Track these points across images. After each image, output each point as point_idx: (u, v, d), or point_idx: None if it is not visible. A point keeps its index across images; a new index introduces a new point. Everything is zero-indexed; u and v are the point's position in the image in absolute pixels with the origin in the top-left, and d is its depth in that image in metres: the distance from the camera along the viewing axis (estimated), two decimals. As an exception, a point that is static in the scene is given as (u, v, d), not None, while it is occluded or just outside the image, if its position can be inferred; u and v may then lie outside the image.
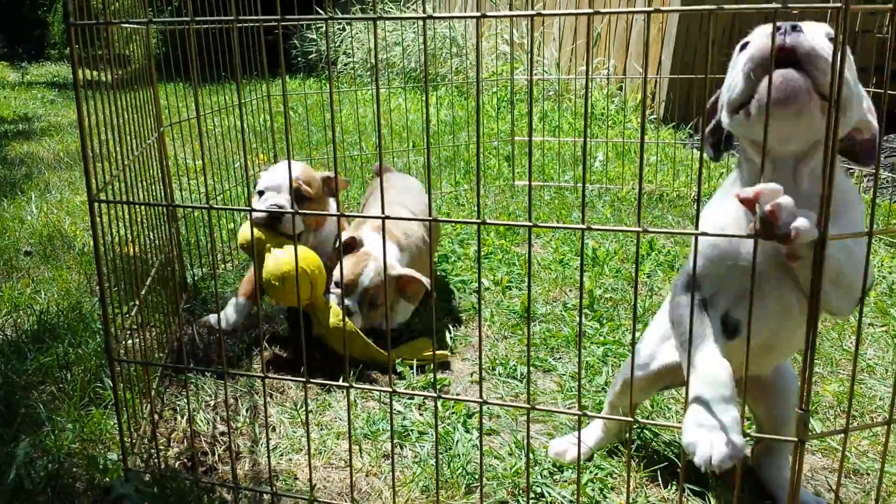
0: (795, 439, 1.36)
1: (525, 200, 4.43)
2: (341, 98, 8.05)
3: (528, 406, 1.51)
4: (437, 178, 4.77)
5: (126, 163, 1.91)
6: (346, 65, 9.99)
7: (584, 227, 1.41)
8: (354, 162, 5.14)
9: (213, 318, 2.65)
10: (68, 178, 5.04)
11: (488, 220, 1.45)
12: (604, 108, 6.44)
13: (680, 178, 4.62)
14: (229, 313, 2.67)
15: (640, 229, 1.38)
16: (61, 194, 4.57)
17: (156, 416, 2.13)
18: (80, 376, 2.30)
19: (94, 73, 1.96)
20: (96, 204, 1.70)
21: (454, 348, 2.64)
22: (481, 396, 1.57)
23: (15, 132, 6.95)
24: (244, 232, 2.54)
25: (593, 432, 2.01)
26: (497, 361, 2.52)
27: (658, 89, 6.22)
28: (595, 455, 1.99)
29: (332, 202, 2.83)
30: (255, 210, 1.63)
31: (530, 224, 1.40)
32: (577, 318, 2.82)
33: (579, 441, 1.56)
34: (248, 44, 3.51)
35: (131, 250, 2.19)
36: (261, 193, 2.66)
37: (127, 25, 2.19)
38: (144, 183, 2.35)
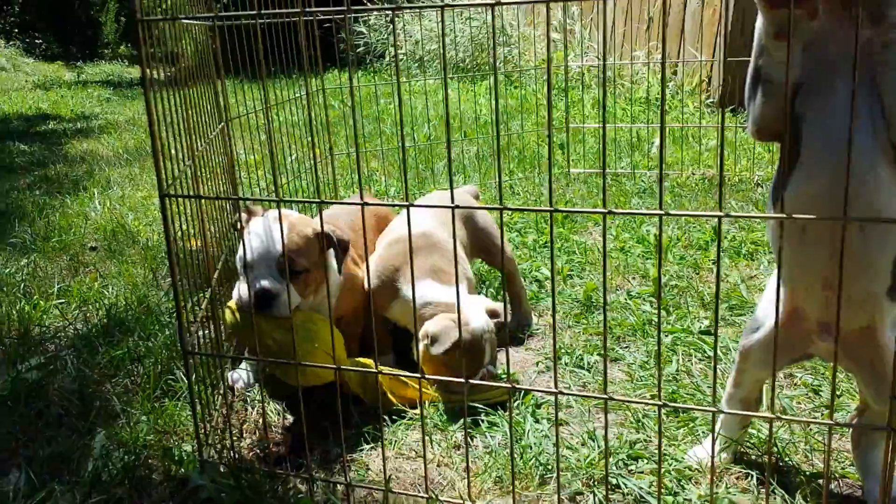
0: (884, 426, 1.31)
1: (581, 188, 4.38)
2: (390, 91, 8.05)
3: (606, 397, 1.48)
4: (489, 168, 4.74)
5: (194, 156, 1.92)
6: (393, 57, 9.99)
7: (661, 212, 1.38)
8: (407, 153, 5.14)
9: (233, 375, 2.39)
10: (128, 174, 5.13)
11: (560, 208, 1.41)
12: (658, 94, 6.33)
13: (741, 162, 4.52)
14: (245, 374, 2.38)
15: (721, 214, 1.34)
16: (122, 190, 4.65)
17: (227, 408, 2.15)
18: (152, 369, 2.33)
19: (152, 70, 1.97)
20: (166, 199, 1.71)
21: (523, 338, 2.62)
22: (556, 387, 1.54)
23: (74, 130, 7.10)
24: (231, 317, 2.17)
25: (724, 430, 1.92)
26: (563, 351, 2.49)
27: (714, 73, 6.09)
28: (673, 447, 1.95)
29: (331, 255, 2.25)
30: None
31: (604, 211, 1.37)
32: (648, 306, 2.77)
33: (713, 437, 1.52)
34: (296, 37, 3.52)
35: (195, 244, 2.20)
36: (245, 268, 2.14)
37: (194, 21, 2.20)
38: (210, 177, 2.37)
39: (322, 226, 1.92)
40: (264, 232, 2.13)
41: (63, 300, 2.94)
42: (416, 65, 9.65)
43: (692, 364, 2.37)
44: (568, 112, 4.98)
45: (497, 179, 1.37)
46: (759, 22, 1.44)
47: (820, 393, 2.18)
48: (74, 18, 15.86)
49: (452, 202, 1.43)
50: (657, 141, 5.04)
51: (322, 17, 3.46)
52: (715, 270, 3.06)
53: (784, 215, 1.33)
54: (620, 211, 1.42)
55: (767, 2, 1.38)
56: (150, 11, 2.02)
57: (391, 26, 10.24)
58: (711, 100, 6.05)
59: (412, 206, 1.46)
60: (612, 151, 4.94)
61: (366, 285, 2.18)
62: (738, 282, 2.92)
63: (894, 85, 1.35)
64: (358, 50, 11.02)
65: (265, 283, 2.09)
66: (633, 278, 3.06)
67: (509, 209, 1.38)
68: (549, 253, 3.35)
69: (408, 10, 9.40)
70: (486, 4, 1.31)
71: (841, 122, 1.39)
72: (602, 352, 2.47)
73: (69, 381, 2.32)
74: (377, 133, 5.83)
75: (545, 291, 2.97)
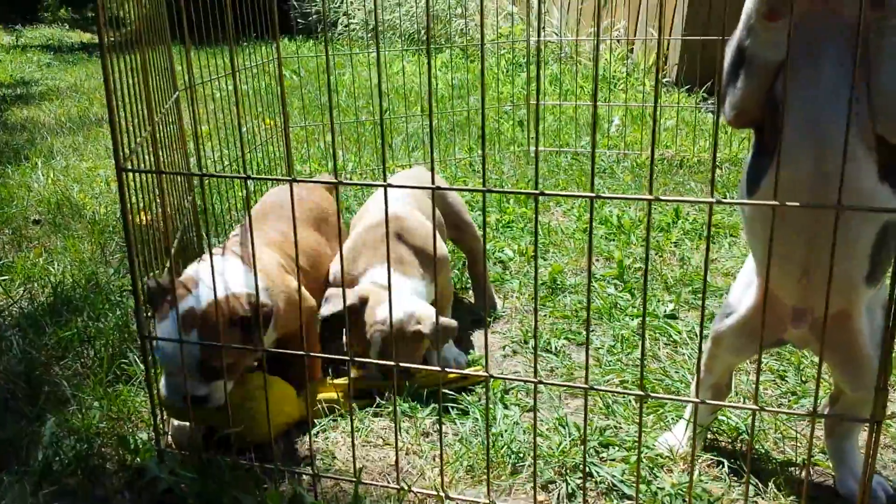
0: (868, 419, 1.30)
1: (542, 167, 4.34)
2: (343, 62, 7.89)
3: (587, 387, 1.44)
4: (449, 144, 4.66)
5: (154, 127, 1.81)
6: (346, 26, 9.80)
7: (650, 197, 1.34)
8: (364, 126, 5.03)
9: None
10: (72, 143, 4.92)
11: (546, 192, 1.36)
12: (615, 72, 6.32)
13: (699, 143, 4.53)
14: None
15: (713, 200, 1.30)
16: (66, 161, 4.46)
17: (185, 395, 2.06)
18: (104, 351, 2.23)
19: (108, 35, 1.85)
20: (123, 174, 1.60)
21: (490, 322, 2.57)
22: (535, 376, 1.50)
23: (14, 96, 6.80)
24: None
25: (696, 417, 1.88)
26: (529, 335, 2.46)
27: (671, 51, 6.09)
28: (644, 434, 1.92)
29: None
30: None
31: (591, 195, 1.32)
32: (613, 289, 2.75)
33: (695, 427, 1.49)
34: (248, 4, 3.39)
35: (146, 219, 2.10)
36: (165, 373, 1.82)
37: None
38: (162, 150, 2.26)
39: (256, 309, 1.73)
40: (177, 330, 1.74)
41: (6, 277, 2.80)
42: (370, 35, 9.47)
43: (658, 349, 2.35)
44: (528, 87, 4.92)
45: (482, 162, 1.30)
46: (750, 1, 1.39)
47: (786, 378, 2.19)
48: (13, -21, 15.20)
49: (433, 183, 1.37)
50: (616, 120, 5.03)
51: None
52: (661, 254, 3.06)
53: (774, 202, 1.29)
54: (610, 195, 1.37)
55: None
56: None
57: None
58: (668, 79, 6.05)
59: (389, 186, 1.39)
60: (571, 130, 4.90)
61: (302, 291, 2.01)
62: (700, 265, 2.92)
63: (886, 74, 1.32)
64: (309, 18, 10.78)
65: (195, 391, 1.78)
66: (598, 260, 3.03)
67: (494, 191, 1.32)
68: (511, 233, 3.30)
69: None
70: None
71: (824, 105, 1.36)
72: (570, 336, 2.44)
73: (15, 362, 2.21)
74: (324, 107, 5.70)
75: (509, 273, 2.93)
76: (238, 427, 1.76)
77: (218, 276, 1.71)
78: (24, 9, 14.91)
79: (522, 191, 1.33)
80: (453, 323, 2.13)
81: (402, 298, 2.10)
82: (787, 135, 1.39)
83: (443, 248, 2.41)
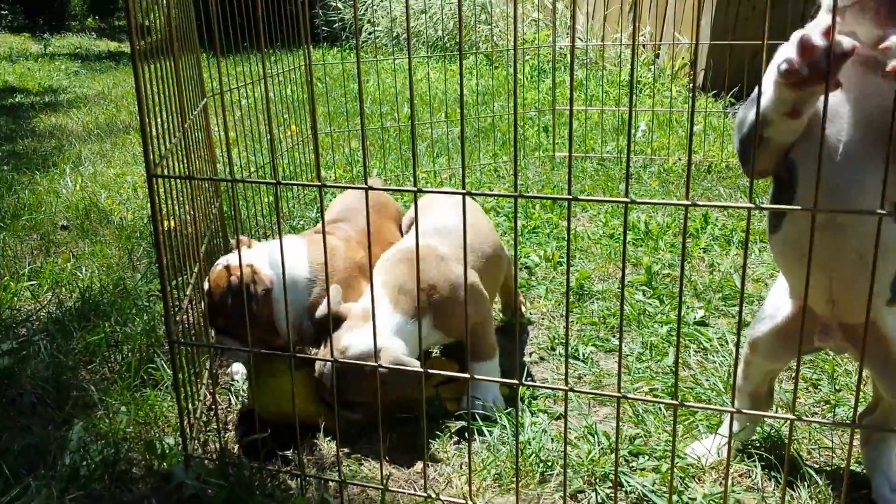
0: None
1: (567, 173, 4.31)
2: (367, 69, 7.91)
3: (619, 395, 1.42)
4: (473, 150, 4.65)
5: (184, 133, 1.81)
6: (370, 34, 9.82)
7: (625, 200, 1.31)
8: (389, 133, 5.03)
9: (234, 367, 2.30)
10: (100, 150, 4.97)
11: (525, 194, 1.34)
12: (641, 77, 6.28)
13: (727, 148, 4.48)
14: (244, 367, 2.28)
15: (752, 206, 1.27)
16: (94, 167, 4.49)
17: (213, 400, 2.06)
18: (131, 356, 2.23)
19: (141, 43, 1.86)
20: (154, 179, 1.60)
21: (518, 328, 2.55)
22: (566, 384, 1.48)
23: (42, 104, 6.88)
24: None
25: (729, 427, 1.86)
26: (557, 341, 2.43)
27: (698, 56, 6.04)
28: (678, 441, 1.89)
29: None
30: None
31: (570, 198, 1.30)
32: (641, 295, 2.72)
33: (730, 436, 1.47)
34: (275, 12, 3.40)
35: (172, 224, 2.10)
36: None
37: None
38: (191, 156, 2.26)
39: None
40: None
41: (34, 282, 2.82)
42: (394, 42, 9.50)
43: (689, 356, 2.32)
44: (555, 92, 4.90)
45: (514, 166, 1.28)
46: (767, 96, 1.32)
47: (819, 387, 2.14)
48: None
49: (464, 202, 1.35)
50: (643, 125, 4.99)
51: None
52: (708, 260, 3.02)
53: (811, 208, 1.26)
54: (646, 201, 1.34)
55: (791, 83, 1.24)
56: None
57: (366, 2, 10.07)
58: (695, 83, 6.00)
59: (420, 191, 1.38)
60: (596, 135, 4.87)
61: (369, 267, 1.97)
62: (730, 271, 2.88)
63: None
64: (334, 26, 10.83)
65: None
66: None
67: (525, 196, 1.30)
68: (537, 239, 3.28)
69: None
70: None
71: (842, 168, 1.35)
72: (598, 343, 2.41)
73: (43, 367, 2.22)
74: (356, 112, 5.71)
75: (535, 279, 2.90)
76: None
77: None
78: (53, 18, 15.12)
79: (555, 196, 1.31)
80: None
81: (380, 331, 1.90)
82: (801, 190, 1.39)
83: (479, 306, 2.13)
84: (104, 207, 3.66)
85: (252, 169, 3.62)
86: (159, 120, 1.76)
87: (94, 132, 5.52)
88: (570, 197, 1.30)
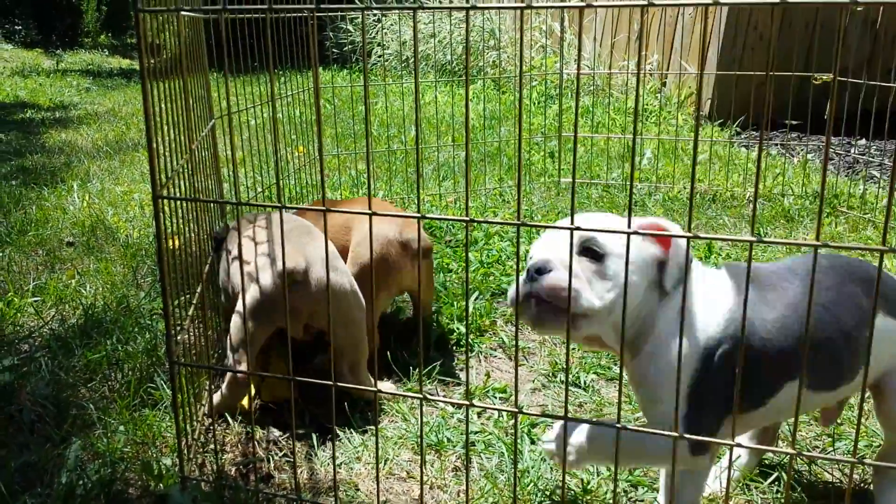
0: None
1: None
2: (376, 91, 7.96)
3: (619, 426, 1.41)
4: (479, 174, 4.66)
5: (191, 154, 1.82)
6: (380, 56, 9.89)
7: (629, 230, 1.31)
8: (395, 155, 5.05)
9: None
10: (108, 167, 4.99)
11: (476, 219, 1.34)
12: (647, 105, 6.30)
13: (732, 177, 4.48)
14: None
15: (819, 243, 1.27)
16: (102, 184, 4.51)
17: (211, 421, 2.05)
18: (131, 375, 2.23)
19: (150, 63, 1.87)
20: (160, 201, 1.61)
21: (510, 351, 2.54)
22: (566, 413, 1.47)
23: (52, 120, 6.93)
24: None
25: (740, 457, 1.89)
26: (558, 367, 2.42)
27: (704, 85, 6.07)
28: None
29: None
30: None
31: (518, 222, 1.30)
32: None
33: (729, 469, 1.46)
34: (285, 34, 3.43)
35: (176, 244, 2.11)
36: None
37: (196, 14, 2.10)
38: (198, 177, 2.27)
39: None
40: None
41: (38, 298, 2.83)
42: (403, 65, 9.56)
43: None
44: (561, 118, 4.92)
45: (517, 195, 1.29)
46: None
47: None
48: (55, 5, 15.55)
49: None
50: (648, 153, 5.01)
51: (291, 13, 3.38)
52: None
53: (815, 243, 1.26)
54: (648, 232, 1.34)
55: None
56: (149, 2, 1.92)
57: (377, 25, 10.15)
58: (701, 112, 6.02)
59: (423, 217, 1.38)
60: (602, 162, 4.88)
61: None
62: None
63: None
64: (344, 49, 10.91)
65: None
66: (628, 294, 2.99)
67: (528, 224, 1.31)
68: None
69: (391, 10, 9.32)
70: (461, 8, 1.23)
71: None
72: (599, 370, 2.41)
73: (43, 384, 2.22)
74: (363, 134, 5.74)
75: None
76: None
77: None
78: (66, 34, 15.27)
79: (558, 225, 1.32)
80: None
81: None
82: None
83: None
84: (110, 225, 3.67)
85: (258, 189, 3.63)
86: (167, 139, 1.77)
87: (103, 149, 5.55)
88: (573, 227, 1.30)
